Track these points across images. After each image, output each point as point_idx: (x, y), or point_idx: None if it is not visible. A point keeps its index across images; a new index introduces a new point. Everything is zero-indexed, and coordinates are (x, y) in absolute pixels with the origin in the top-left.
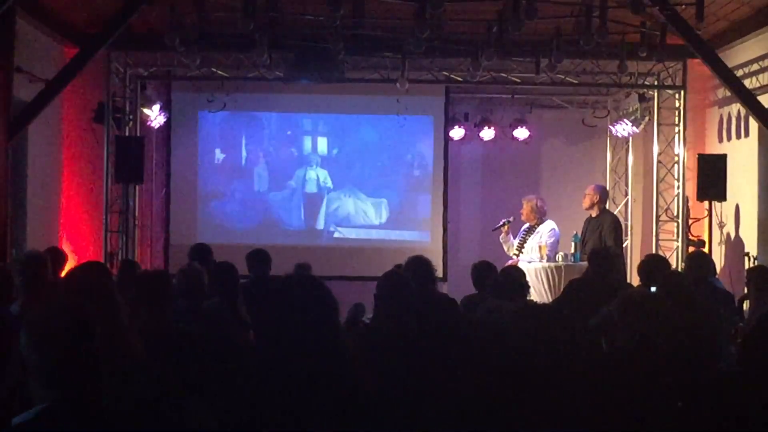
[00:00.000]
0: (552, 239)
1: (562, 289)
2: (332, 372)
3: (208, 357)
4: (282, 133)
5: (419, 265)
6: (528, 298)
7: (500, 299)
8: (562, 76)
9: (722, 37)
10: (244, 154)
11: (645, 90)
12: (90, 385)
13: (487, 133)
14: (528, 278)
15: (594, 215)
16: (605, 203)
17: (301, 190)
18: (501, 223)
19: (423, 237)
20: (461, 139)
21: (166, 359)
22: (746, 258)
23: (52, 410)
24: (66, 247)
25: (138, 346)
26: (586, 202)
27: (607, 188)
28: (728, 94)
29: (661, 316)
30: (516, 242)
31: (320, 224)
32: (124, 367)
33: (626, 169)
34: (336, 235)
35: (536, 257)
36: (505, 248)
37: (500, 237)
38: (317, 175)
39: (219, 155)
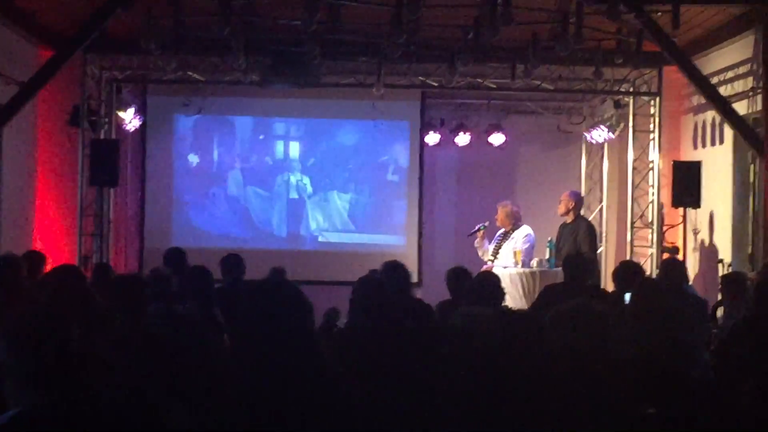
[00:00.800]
0: (527, 245)
1: (537, 295)
2: (307, 376)
3: (182, 360)
4: (257, 138)
5: (395, 270)
6: (503, 303)
7: (476, 305)
8: (538, 82)
9: (697, 45)
10: (219, 158)
11: (620, 96)
12: (66, 388)
13: (463, 139)
14: (503, 284)
15: (569, 221)
16: (580, 209)
17: (275, 195)
18: (476, 228)
19: (398, 242)
20: (437, 145)
21: (141, 362)
22: (720, 265)
23: (28, 413)
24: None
25: (114, 348)
26: (562, 208)
27: (582, 194)
28: (703, 101)
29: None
30: (491, 247)
31: (295, 228)
32: (100, 369)
33: (601, 176)
34: (310, 239)
35: (511, 263)
36: (480, 253)
37: (475, 242)
38: (291, 179)
39: (194, 159)
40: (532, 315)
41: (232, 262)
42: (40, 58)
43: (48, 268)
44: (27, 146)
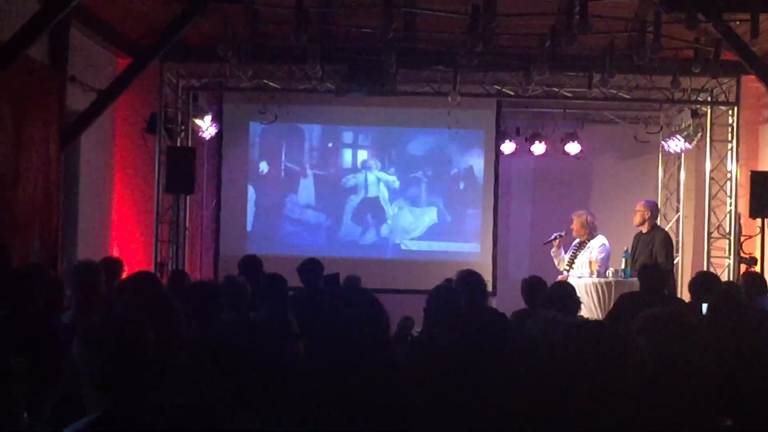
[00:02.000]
0: (602, 255)
1: (612, 305)
2: (382, 385)
3: (256, 369)
4: (333, 146)
5: (470, 279)
6: (578, 313)
7: (551, 312)
8: (615, 91)
9: None
10: (293, 165)
11: (698, 106)
12: (142, 395)
13: (539, 148)
14: (578, 294)
15: (645, 231)
16: (656, 219)
17: (349, 203)
18: (552, 237)
19: (473, 251)
20: (512, 153)
21: (215, 370)
22: None
23: (104, 419)
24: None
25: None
26: (637, 219)
27: (659, 204)
28: None
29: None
30: (567, 257)
31: (371, 237)
32: (176, 377)
33: (678, 186)
34: (385, 247)
35: (586, 273)
36: (556, 262)
37: (551, 251)
38: (366, 188)
39: (269, 166)
40: (608, 324)
41: (311, 267)
42: (117, 66)
43: (125, 274)
44: (105, 153)
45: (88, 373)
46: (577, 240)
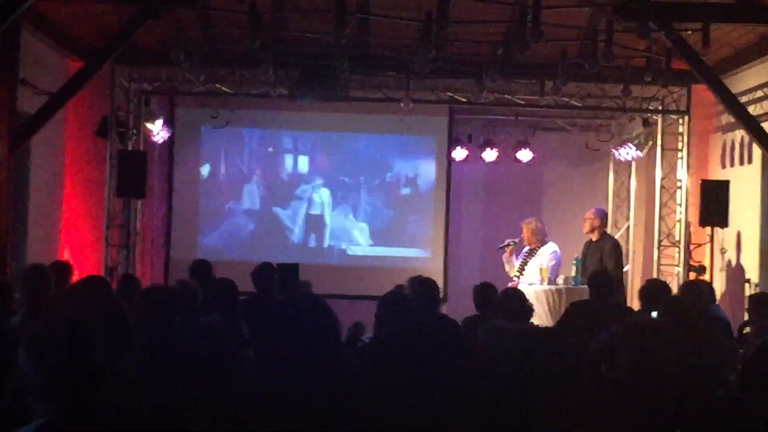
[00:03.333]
0: (553, 262)
1: (562, 312)
2: (333, 390)
3: (207, 373)
4: (284, 151)
5: (422, 285)
6: (530, 320)
7: (502, 319)
8: (567, 99)
9: (727, 64)
10: (245, 170)
11: (649, 114)
12: (90, 400)
13: (490, 155)
14: (529, 300)
15: (594, 239)
16: (606, 227)
17: (302, 208)
18: (505, 243)
19: (423, 257)
20: (464, 160)
21: (167, 374)
22: (747, 284)
23: (52, 424)
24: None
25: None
26: (587, 227)
27: (609, 212)
28: (732, 120)
29: (662, 342)
30: (517, 264)
31: (320, 242)
32: (125, 381)
33: (628, 194)
34: (336, 253)
35: (537, 280)
36: (507, 268)
37: (503, 257)
38: (317, 193)
39: (221, 171)
40: (558, 331)
41: (265, 272)
42: (69, 69)
43: (75, 278)
44: (55, 157)
45: (33, 378)
46: (528, 247)
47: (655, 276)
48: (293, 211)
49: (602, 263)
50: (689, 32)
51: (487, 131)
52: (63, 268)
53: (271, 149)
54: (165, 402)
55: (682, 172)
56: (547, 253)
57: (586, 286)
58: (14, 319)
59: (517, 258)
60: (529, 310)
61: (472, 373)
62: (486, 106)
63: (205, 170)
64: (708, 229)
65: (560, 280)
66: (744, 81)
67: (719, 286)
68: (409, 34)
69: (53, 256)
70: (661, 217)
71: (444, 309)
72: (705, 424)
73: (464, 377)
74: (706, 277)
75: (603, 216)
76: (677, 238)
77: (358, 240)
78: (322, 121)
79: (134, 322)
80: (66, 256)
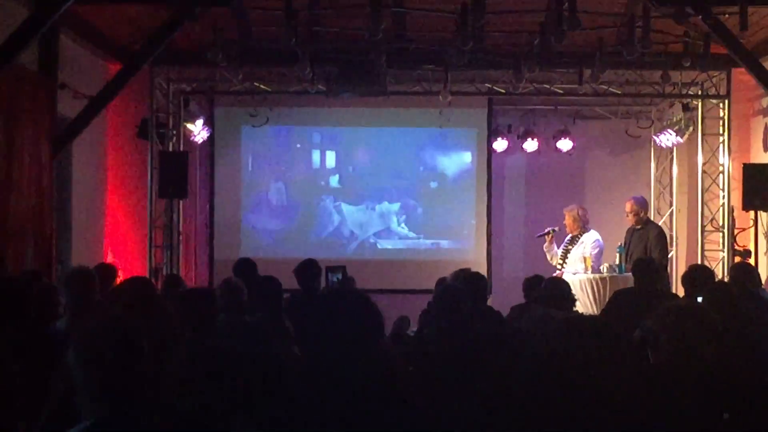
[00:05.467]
0: (596, 250)
1: (607, 301)
2: (378, 386)
3: (251, 372)
4: (325, 147)
5: (473, 280)
6: (574, 309)
7: (546, 308)
8: (605, 87)
9: (766, 46)
10: (286, 167)
11: (689, 100)
12: (137, 400)
13: (531, 145)
14: (573, 290)
15: (638, 227)
16: (647, 213)
17: (345, 204)
18: (546, 231)
19: (466, 250)
20: (504, 151)
21: (211, 375)
22: None
23: (100, 424)
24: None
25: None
26: (632, 220)
27: (651, 199)
28: None
29: (703, 325)
30: (559, 252)
31: (363, 237)
32: (171, 381)
33: (671, 180)
34: (379, 246)
35: (581, 268)
36: (549, 257)
37: (544, 246)
38: (361, 189)
39: (262, 169)
40: (600, 318)
41: (308, 269)
42: (108, 72)
43: (119, 280)
44: (97, 159)
45: (82, 379)
46: (570, 235)
47: (699, 261)
48: (337, 207)
49: (648, 251)
50: (727, 16)
51: (526, 121)
52: (107, 271)
53: (310, 146)
54: (209, 402)
55: (723, 157)
56: (589, 242)
57: (629, 273)
58: (60, 322)
59: (558, 246)
60: (572, 299)
61: (516, 363)
62: (525, 96)
63: (246, 169)
64: (752, 213)
65: (604, 268)
66: None
67: (764, 270)
68: (445, 26)
69: (98, 258)
70: (704, 203)
71: (489, 301)
72: (753, 410)
73: (508, 368)
74: (751, 261)
75: (643, 203)
76: (721, 223)
77: (402, 234)
78: (360, 116)
79: (178, 323)
80: (110, 258)
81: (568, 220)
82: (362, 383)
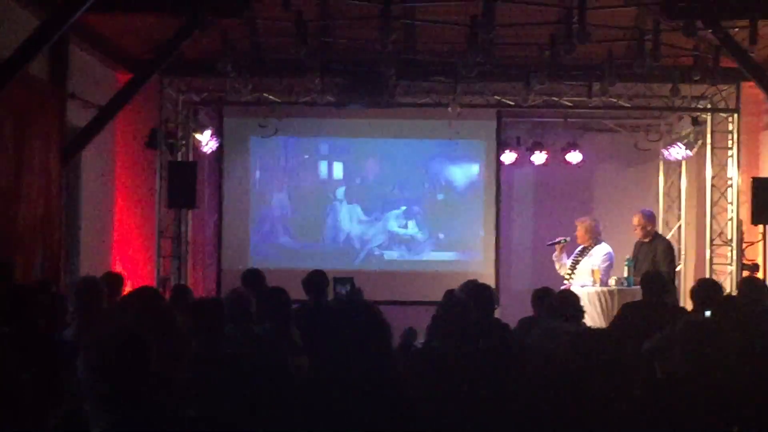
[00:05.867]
0: (606, 263)
1: (614, 313)
2: (385, 396)
3: (259, 382)
4: (334, 158)
5: (480, 292)
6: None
7: (555, 321)
8: (615, 100)
9: None
10: (294, 178)
11: (698, 113)
12: (146, 409)
13: (539, 157)
14: (581, 302)
15: (646, 240)
16: (656, 227)
17: (354, 215)
18: (557, 240)
19: (474, 262)
20: (513, 163)
21: (219, 384)
22: None
23: None
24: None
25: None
26: (640, 233)
27: (660, 212)
28: None
29: (721, 342)
30: (569, 263)
31: (372, 248)
32: (179, 390)
33: (679, 193)
34: (386, 258)
35: (589, 281)
36: (557, 267)
37: (553, 255)
38: (370, 200)
39: (270, 180)
40: (609, 332)
41: (316, 280)
42: (117, 82)
43: (127, 290)
44: (106, 169)
45: (92, 387)
46: (581, 246)
47: (708, 275)
48: (345, 218)
49: (655, 264)
50: (736, 29)
51: (535, 134)
52: (115, 280)
53: (318, 156)
54: (218, 411)
55: (732, 170)
56: (600, 254)
57: (638, 286)
58: (68, 331)
59: (568, 257)
60: (581, 312)
61: (523, 375)
62: (534, 108)
63: (254, 179)
64: (760, 226)
65: (612, 281)
66: None
67: None
68: (455, 38)
69: (106, 267)
70: (712, 216)
71: (497, 313)
72: (763, 423)
73: (516, 380)
74: (760, 275)
75: (651, 217)
76: (729, 237)
77: (411, 245)
78: (369, 127)
79: (186, 332)
80: (118, 267)
81: (579, 231)
82: (370, 394)
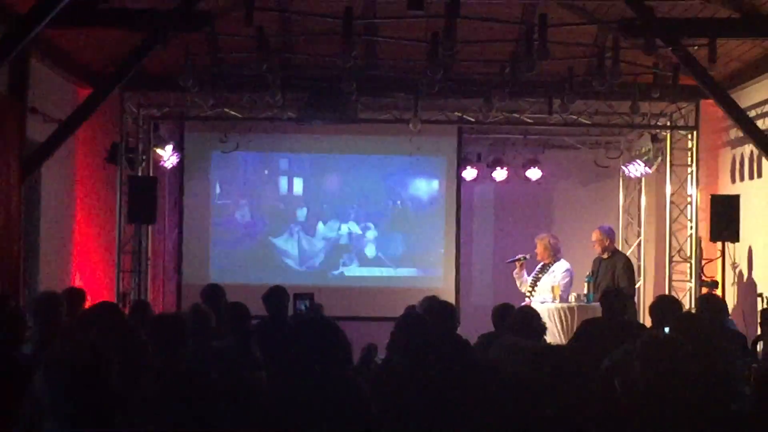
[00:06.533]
0: (566, 280)
1: (574, 330)
2: (345, 412)
3: (220, 397)
4: (294, 174)
5: (438, 308)
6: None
7: (516, 337)
8: (575, 117)
9: (735, 78)
10: (255, 194)
11: (658, 131)
12: (106, 425)
13: (500, 174)
14: (542, 319)
15: (605, 257)
16: (614, 243)
17: (314, 231)
18: (517, 257)
19: (435, 278)
20: (474, 180)
21: (180, 400)
22: (759, 299)
23: None
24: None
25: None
26: (599, 249)
27: (620, 229)
28: (741, 134)
29: (680, 359)
30: (529, 280)
31: (332, 264)
32: (140, 406)
33: (639, 210)
34: (347, 274)
35: (549, 297)
36: (518, 284)
37: (514, 273)
38: (331, 216)
39: (231, 195)
40: (568, 349)
41: (276, 295)
42: (78, 97)
43: (87, 305)
44: (66, 184)
45: (50, 403)
46: (541, 263)
47: (667, 291)
48: (306, 234)
49: (615, 281)
50: (696, 47)
51: (496, 150)
52: (75, 295)
53: (279, 172)
54: (177, 426)
55: (692, 188)
56: (560, 271)
57: (597, 303)
58: (26, 346)
59: (528, 274)
60: (542, 328)
61: (484, 392)
62: (495, 125)
63: (215, 194)
64: (719, 243)
65: (572, 297)
66: (752, 95)
67: (731, 300)
68: (416, 55)
69: (65, 282)
70: (671, 233)
71: (457, 329)
72: None
73: (477, 397)
74: (718, 291)
75: (610, 233)
76: (689, 254)
77: (371, 262)
78: (330, 143)
79: (146, 348)
80: (78, 282)
81: (539, 248)
82: (329, 410)
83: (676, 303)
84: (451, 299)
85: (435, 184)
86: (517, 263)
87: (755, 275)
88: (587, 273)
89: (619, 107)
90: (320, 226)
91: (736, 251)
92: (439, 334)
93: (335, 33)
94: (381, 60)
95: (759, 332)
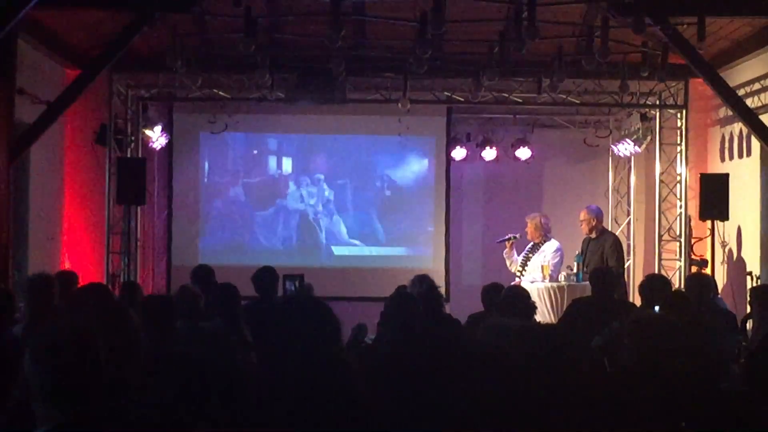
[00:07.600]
0: (556, 259)
1: (564, 309)
2: (336, 392)
3: (210, 378)
4: (283, 154)
5: (427, 286)
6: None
7: (505, 317)
8: (564, 96)
9: (724, 57)
10: (244, 174)
11: (647, 109)
12: (95, 407)
13: (489, 153)
14: (531, 298)
15: (594, 237)
16: (602, 223)
17: (303, 211)
18: (507, 237)
19: (425, 257)
20: (463, 159)
21: (170, 381)
22: (749, 277)
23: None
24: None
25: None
26: (586, 228)
27: (609, 208)
28: (730, 113)
29: (670, 337)
30: (520, 259)
31: (320, 245)
32: (129, 386)
33: (628, 189)
34: (337, 254)
35: (539, 277)
36: (508, 263)
37: (504, 252)
38: (320, 196)
39: (220, 176)
40: (557, 327)
41: (266, 276)
42: (66, 78)
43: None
44: (54, 165)
45: (39, 385)
46: (531, 243)
47: (657, 271)
48: (295, 214)
49: (604, 260)
50: (685, 26)
51: (485, 130)
52: (68, 278)
53: (268, 152)
54: (167, 406)
55: (681, 167)
56: (550, 250)
57: (587, 282)
58: (16, 328)
59: (518, 253)
60: (531, 307)
61: (473, 372)
62: (484, 105)
63: (204, 175)
64: (708, 222)
65: (562, 277)
66: (741, 74)
67: (721, 279)
68: (405, 34)
69: (55, 264)
70: (661, 212)
71: (447, 308)
72: (709, 418)
73: (466, 377)
74: (708, 270)
75: (598, 213)
76: (678, 233)
77: (360, 241)
78: (320, 123)
79: (137, 329)
80: (67, 264)
81: (529, 228)
82: (319, 391)
83: (666, 282)
84: (441, 279)
85: (424, 163)
86: (507, 243)
87: (744, 254)
88: (576, 252)
89: (608, 86)
90: (309, 206)
91: (726, 230)
92: (428, 313)
93: (323, 13)
94: (369, 40)
95: (748, 311)
